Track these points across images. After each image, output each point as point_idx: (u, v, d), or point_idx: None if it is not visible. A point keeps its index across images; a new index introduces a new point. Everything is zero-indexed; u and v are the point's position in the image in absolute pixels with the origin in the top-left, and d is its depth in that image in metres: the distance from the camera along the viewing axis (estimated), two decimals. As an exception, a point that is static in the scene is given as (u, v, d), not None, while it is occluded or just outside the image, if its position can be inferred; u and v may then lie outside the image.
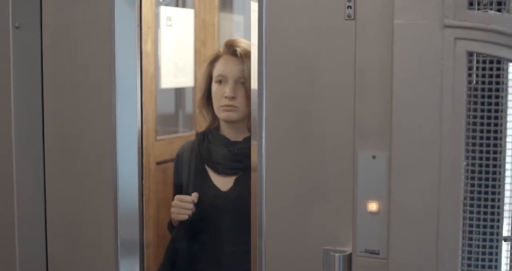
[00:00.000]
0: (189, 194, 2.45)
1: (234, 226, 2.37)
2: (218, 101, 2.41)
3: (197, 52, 3.61)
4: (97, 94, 2.09)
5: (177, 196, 2.46)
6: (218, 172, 2.45)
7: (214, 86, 2.43)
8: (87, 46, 2.10)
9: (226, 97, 2.37)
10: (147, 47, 3.18)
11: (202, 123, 2.53)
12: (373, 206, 1.71)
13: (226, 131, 2.46)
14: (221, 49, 2.47)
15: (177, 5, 3.61)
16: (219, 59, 2.45)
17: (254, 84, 1.86)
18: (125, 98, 2.09)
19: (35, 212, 2.20)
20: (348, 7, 1.72)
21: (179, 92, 3.71)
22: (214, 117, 2.49)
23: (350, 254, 1.75)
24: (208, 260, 2.47)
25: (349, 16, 1.73)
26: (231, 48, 2.42)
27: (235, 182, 2.40)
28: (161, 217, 2.64)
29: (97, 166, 2.11)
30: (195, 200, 2.41)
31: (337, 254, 1.75)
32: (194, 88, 3.65)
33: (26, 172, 2.17)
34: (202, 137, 2.50)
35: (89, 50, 2.09)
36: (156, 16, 3.33)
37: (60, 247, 2.20)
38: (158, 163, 3.32)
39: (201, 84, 2.51)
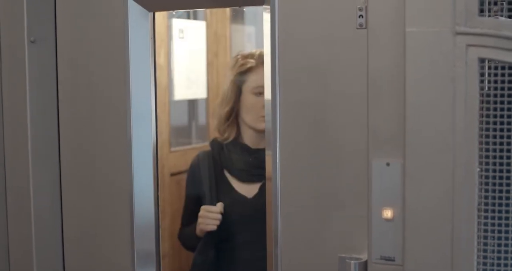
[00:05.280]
0: (209, 203, 2.45)
1: (262, 232, 2.37)
2: (258, 112, 2.38)
3: (209, 64, 3.62)
4: (112, 107, 2.11)
5: (204, 207, 2.44)
6: (241, 179, 2.45)
7: (251, 97, 2.42)
8: (102, 59, 2.11)
9: None
10: (160, 59, 3.20)
11: (224, 135, 2.50)
12: (388, 213, 1.72)
13: (248, 139, 2.46)
14: (253, 60, 2.44)
15: (189, 18, 3.63)
16: (252, 70, 2.43)
17: (267, 94, 1.88)
18: (140, 111, 2.10)
19: (52, 225, 2.21)
20: (359, 16, 1.73)
21: (192, 104, 3.72)
22: (238, 128, 2.47)
23: (366, 261, 1.76)
24: (238, 268, 2.46)
25: (360, 25, 1.74)
26: None
27: (261, 188, 2.38)
28: (176, 228, 2.66)
29: (112, 178, 2.13)
30: (222, 210, 2.41)
31: (352, 262, 1.75)
32: (206, 100, 3.66)
33: (42, 184, 2.18)
34: (221, 146, 2.49)
35: (103, 63, 2.11)
36: (169, 28, 3.36)
37: (77, 259, 2.21)
38: (173, 174, 3.33)
39: (230, 97, 2.47)
